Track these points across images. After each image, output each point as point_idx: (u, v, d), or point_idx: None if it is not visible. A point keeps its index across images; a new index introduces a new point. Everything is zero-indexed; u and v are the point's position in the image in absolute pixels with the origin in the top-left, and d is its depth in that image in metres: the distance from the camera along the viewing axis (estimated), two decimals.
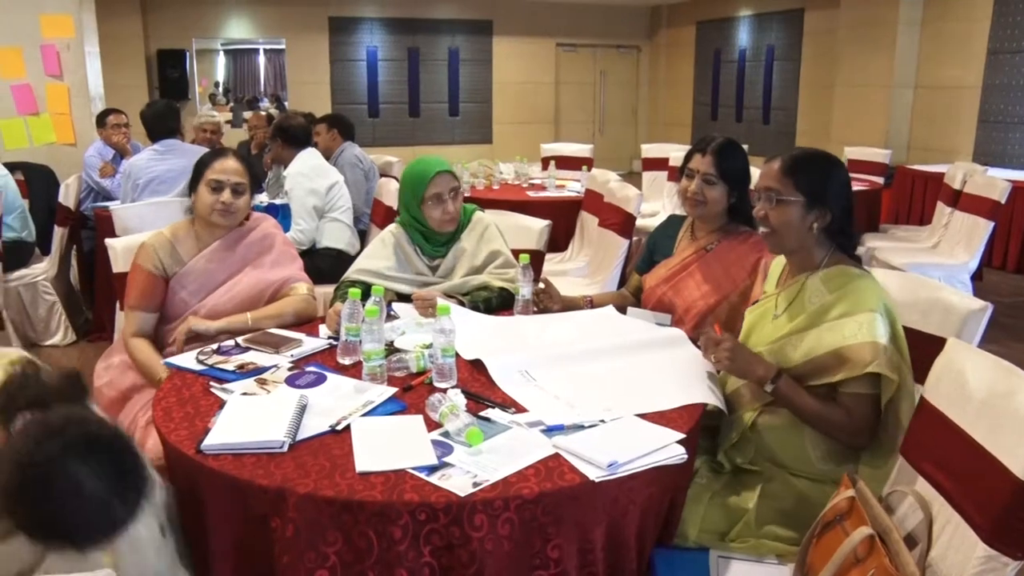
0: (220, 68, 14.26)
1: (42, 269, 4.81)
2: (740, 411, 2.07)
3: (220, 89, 14.03)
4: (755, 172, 2.27)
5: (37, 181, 5.44)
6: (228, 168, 2.60)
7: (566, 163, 6.70)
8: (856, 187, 6.16)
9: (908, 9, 8.80)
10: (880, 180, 6.70)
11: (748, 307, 2.27)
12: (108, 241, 3.01)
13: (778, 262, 2.22)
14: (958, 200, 5.40)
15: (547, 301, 2.60)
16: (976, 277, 5.20)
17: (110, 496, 1.37)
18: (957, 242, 5.28)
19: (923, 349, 1.94)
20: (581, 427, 1.76)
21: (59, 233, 4.91)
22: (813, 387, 1.95)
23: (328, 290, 2.77)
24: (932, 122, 8.87)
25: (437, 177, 2.66)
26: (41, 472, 1.33)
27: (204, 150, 5.23)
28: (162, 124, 5.00)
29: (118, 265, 2.89)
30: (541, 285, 2.61)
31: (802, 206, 1.98)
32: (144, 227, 3.33)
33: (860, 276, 1.97)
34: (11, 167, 5.09)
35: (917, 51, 8.91)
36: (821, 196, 1.97)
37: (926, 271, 4.62)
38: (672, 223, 2.82)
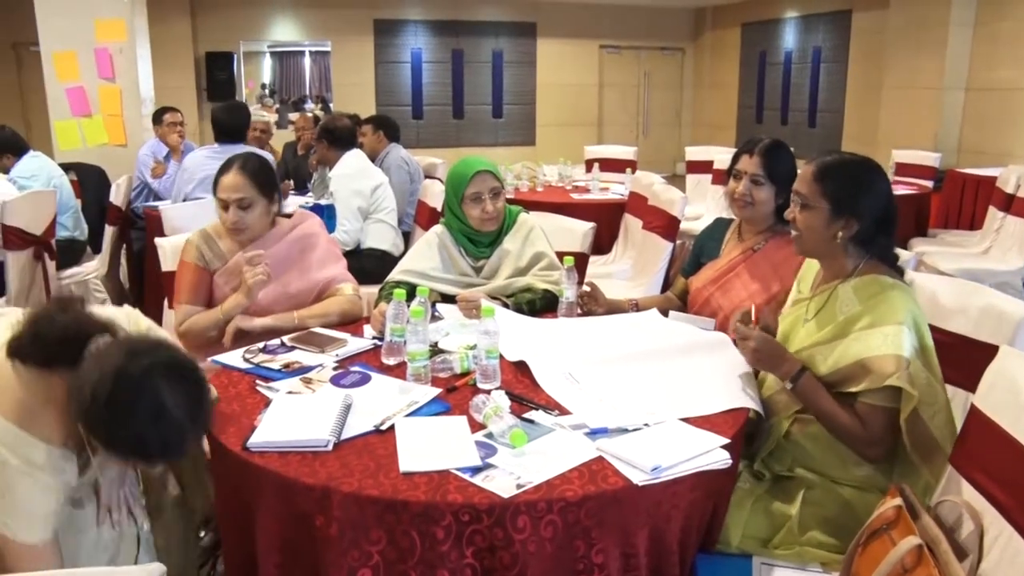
0: (266, 70, 14.44)
1: (93, 267, 4.91)
2: (775, 418, 2.05)
3: (267, 91, 14.21)
4: None
5: (89, 181, 5.56)
6: (228, 185, 2.57)
7: (610, 165, 6.68)
8: (904, 191, 6.09)
9: (960, 9, 8.62)
10: (929, 184, 6.58)
11: (782, 311, 2.25)
12: (157, 240, 3.06)
13: (811, 264, 2.18)
14: (1011, 204, 5.28)
15: (592, 304, 2.60)
16: None
17: (186, 421, 1.46)
18: (1009, 247, 5.16)
19: (974, 357, 1.90)
20: (625, 430, 1.76)
21: (110, 232, 5.01)
22: (835, 395, 1.92)
23: (372, 290, 2.79)
24: (984, 125, 8.67)
25: (477, 176, 2.68)
26: (133, 383, 1.41)
27: (256, 150, 5.33)
28: (233, 127, 5.02)
29: (167, 264, 2.94)
30: (586, 288, 2.61)
31: (827, 213, 1.96)
32: (193, 226, 3.38)
33: (892, 287, 1.93)
34: (65, 167, 5.22)
35: (969, 52, 8.72)
36: (849, 205, 1.94)
37: (977, 277, 4.51)
38: (719, 226, 2.80)
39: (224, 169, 2.62)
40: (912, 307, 1.91)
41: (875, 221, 1.95)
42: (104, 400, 1.39)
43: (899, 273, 2.00)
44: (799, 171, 2.08)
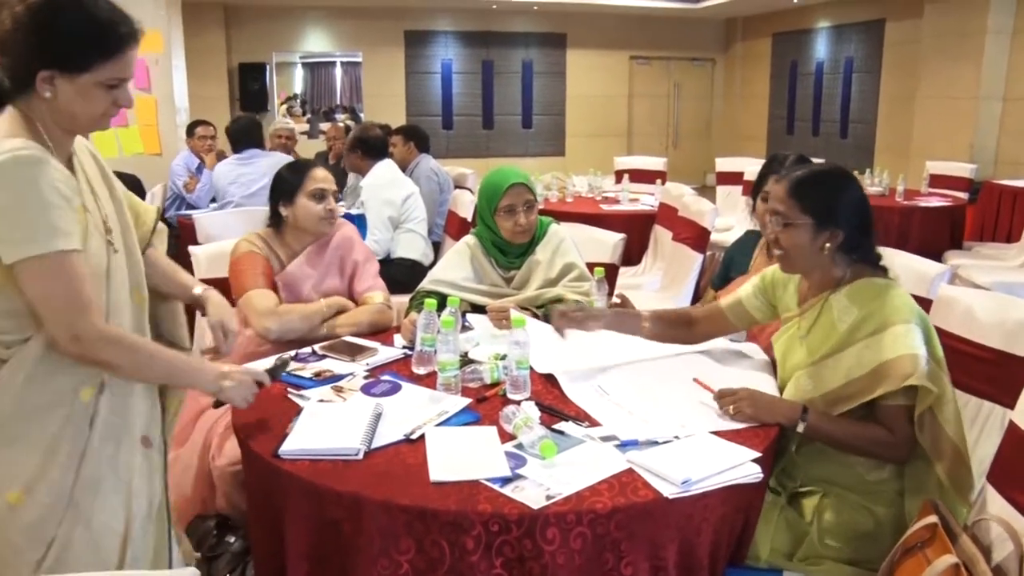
0: (298, 80, 14.59)
1: None
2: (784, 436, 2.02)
3: (298, 101, 14.35)
4: None
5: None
6: (326, 177, 2.70)
7: (639, 176, 6.67)
8: (938, 203, 6.02)
9: (998, 18, 8.50)
10: (964, 195, 6.50)
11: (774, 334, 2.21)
12: (191, 248, 3.10)
13: (784, 280, 2.16)
14: None
15: None
16: None
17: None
18: None
19: (1011, 372, 1.87)
20: (655, 443, 1.75)
21: None
22: (851, 410, 1.89)
23: (403, 300, 2.80)
24: (1022, 135, 8.55)
25: (511, 188, 2.68)
26: None
27: (281, 155, 5.47)
28: (246, 138, 5.28)
29: (200, 272, 2.96)
30: (617, 300, 2.60)
31: (811, 228, 1.93)
32: (226, 235, 3.42)
33: (888, 287, 1.91)
34: None
35: (1007, 61, 8.60)
36: (831, 216, 1.92)
37: (1014, 291, 4.43)
38: (748, 239, 2.80)
39: (309, 166, 2.74)
40: (912, 303, 1.89)
41: (857, 227, 1.93)
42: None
43: (884, 271, 1.97)
44: (772, 190, 2.06)
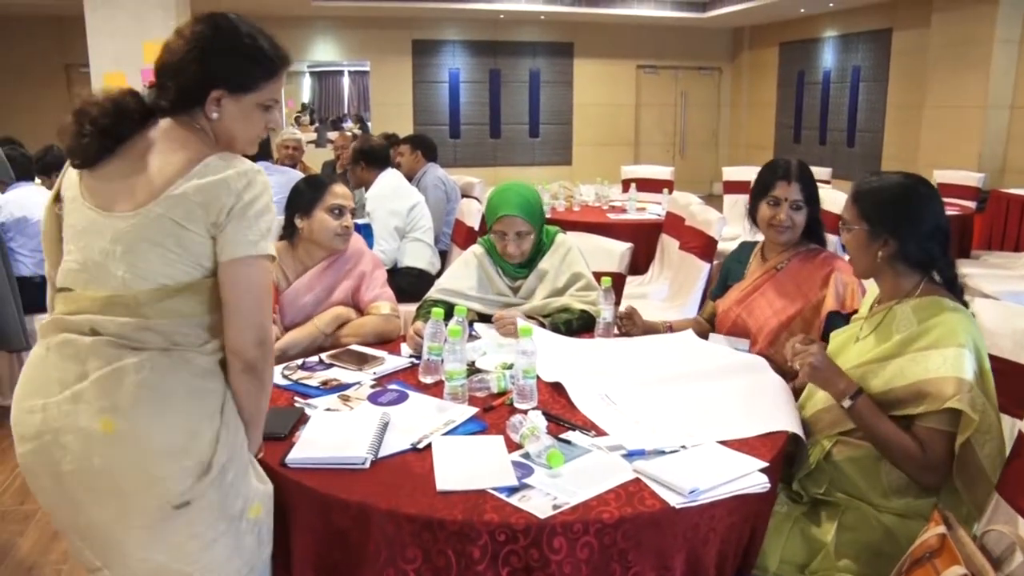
0: (306, 89, 14.67)
1: None
2: (816, 437, 2.02)
3: (306, 111, 14.41)
4: (839, 196, 2.23)
5: None
6: (345, 193, 2.73)
7: (646, 185, 6.67)
8: (946, 212, 5.99)
9: (1006, 27, 8.50)
10: (972, 204, 6.48)
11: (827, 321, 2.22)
12: None
13: (872, 288, 2.16)
14: None
15: (630, 327, 2.60)
16: None
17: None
18: None
19: (1020, 382, 1.86)
20: (662, 452, 1.75)
21: None
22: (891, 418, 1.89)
23: (409, 309, 2.81)
24: None
25: (506, 218, 2.68)
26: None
27: (289, 169, 5.47)
28: (259, 150, 5.23)
29: None
30: (623, 309, 2.61)
31: (864, 234, 1.96)
32: None
33: (953, 309, 1.90)
34: None
35: (1015, 70, 8.59)
36: (885, 225, 1.94)
37: (1022, 300, 4.43)
38: (744, 249, 2.81)
39: (328, 182, 2.74)
40: (973, 331, 1.87)
41: (917, 241, 1.92)
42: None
43: (960, 298, 1.97)
44: (843, 193, 2.09)
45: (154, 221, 1.48)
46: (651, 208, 5.99)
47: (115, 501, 1.49)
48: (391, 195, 4.53)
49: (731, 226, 6.00)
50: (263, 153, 5.30)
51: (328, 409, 2.02)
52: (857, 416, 1.89)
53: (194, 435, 1.51)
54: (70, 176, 1.60)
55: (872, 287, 2.15)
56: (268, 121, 1.65)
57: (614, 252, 3.45)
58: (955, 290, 1.97)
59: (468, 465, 1.69)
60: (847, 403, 1.88)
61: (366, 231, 4.43)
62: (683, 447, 1.78)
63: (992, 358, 2.05)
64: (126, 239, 1.49)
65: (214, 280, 1.54)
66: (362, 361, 2.37)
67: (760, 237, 2.71)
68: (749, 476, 1.66)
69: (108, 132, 1.54)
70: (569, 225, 4.02)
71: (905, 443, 1.85)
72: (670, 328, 2.68)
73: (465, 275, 2.80)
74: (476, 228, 4.49)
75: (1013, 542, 1.56)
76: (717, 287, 2.82)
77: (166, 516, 1.49)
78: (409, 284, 4.14)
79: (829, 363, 1.93)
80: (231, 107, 1.58)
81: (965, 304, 1.96)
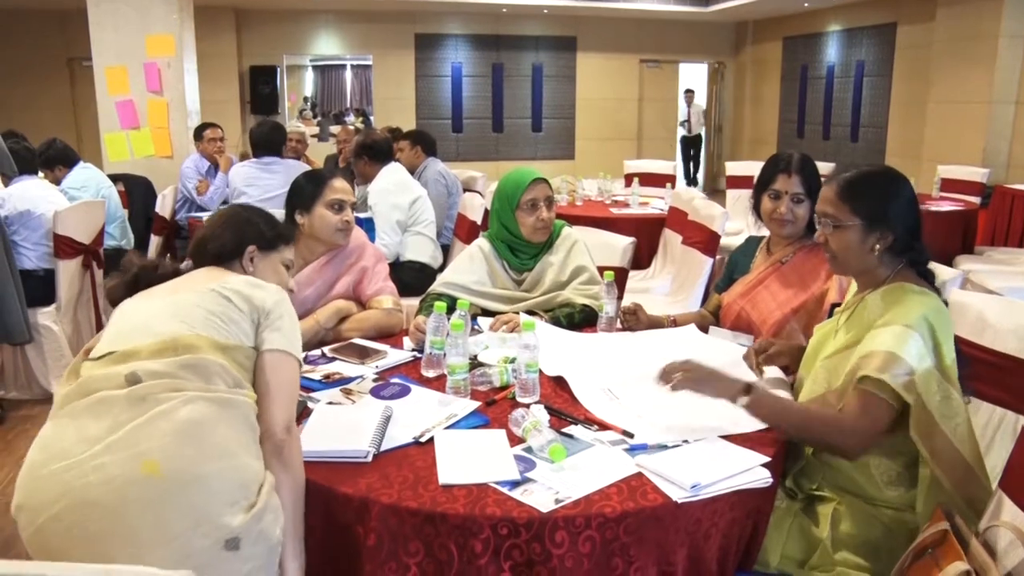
0: (308, 83, 14.67)
1: None
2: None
3: (308, 104, 14.41)
4: None
5: (136, 192, 5.69)
6: (345, 188, 2.71)
7: (649, 180, 6.67)
8: (950, 207, 5.99)
9: (1012, 22, 8.47)
10: (976, 200, 6.47)
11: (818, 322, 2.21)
12: None
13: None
14: None
15: (634, 323, 2.60)
16: None
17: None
18: None
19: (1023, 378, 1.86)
20: (664, 447, 1.75)
21: (155, 242, 5.12)
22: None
23: (411, 303, 2.81)
24: None
25: (534, 184, 2.72)
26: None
27: (296, 162, 5.46)
28: (269, 143, 5.26)
29: None
30: (627, 305, 2.61)
31: (861, 230, 1.91)
32: None
33: (916, 292, 1.87)
34: (113, 178, 5.35)
35: (1020, 65, 8.56)
36: (881, 217, 1.90)
37: None
38: (750, 243, 2.81)
39: (329, 175, 2.73)
40: (928, 312, 1.82)
41: (907, 229, 1.91)
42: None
43: (930, 278, 1.95)
44: (821, 192, 2.04)
45: None
46: (654, 203, 5.99)
47: (160, 550, 1.42)
48: (394, 189, 4.52)
49: (734, 221, 6.00)
50: (273, 151, 5.26)
51: (331, 403, 2.02)
52: (762, 408, 1.84)
53: (242, 468, 1.51)
54: None
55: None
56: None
57: (617, 247, 3.45)
58: (927, 275, 1.94)
59: (470, 459, 1.69)
60: (743, 400, 1.83)
61: (368, 225, 4.43)
62: (685, 441, 1.78)
63: (996, 354, 2.05)
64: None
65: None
66: (364, 355, 2.37)
67: (766, 232, 2.71)
68: (751, 471, 1.66)
69: None
70: (572, 219, 4.00)
71: (821, 414, 1.82)
72: (674, 322, 2.68)
73: (469, 269, 2.80)
74: (479, 222, 4.48)
75: (1015, 538, 1.56)
76: (722, 280, 2.82)
77: (218, 556, 1.45)
78: (411, 278, 4.14)
79: (706, 370, 1.89)
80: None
81: (938, 291, 1.93)
